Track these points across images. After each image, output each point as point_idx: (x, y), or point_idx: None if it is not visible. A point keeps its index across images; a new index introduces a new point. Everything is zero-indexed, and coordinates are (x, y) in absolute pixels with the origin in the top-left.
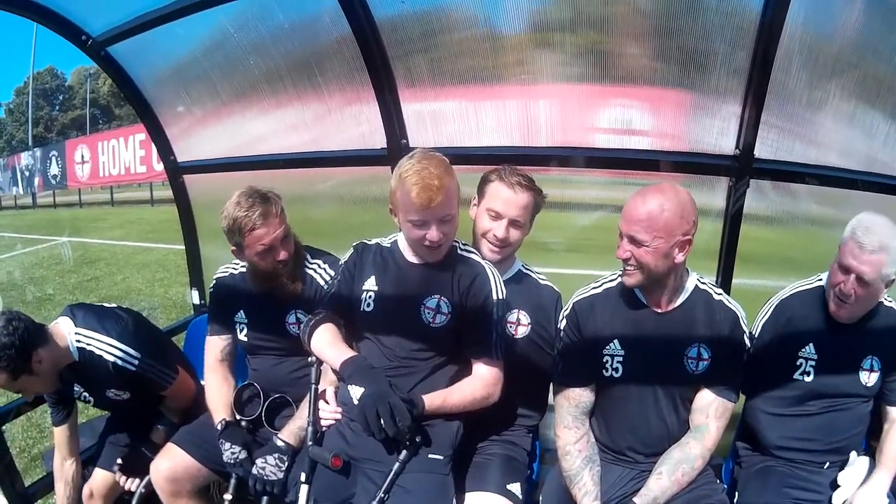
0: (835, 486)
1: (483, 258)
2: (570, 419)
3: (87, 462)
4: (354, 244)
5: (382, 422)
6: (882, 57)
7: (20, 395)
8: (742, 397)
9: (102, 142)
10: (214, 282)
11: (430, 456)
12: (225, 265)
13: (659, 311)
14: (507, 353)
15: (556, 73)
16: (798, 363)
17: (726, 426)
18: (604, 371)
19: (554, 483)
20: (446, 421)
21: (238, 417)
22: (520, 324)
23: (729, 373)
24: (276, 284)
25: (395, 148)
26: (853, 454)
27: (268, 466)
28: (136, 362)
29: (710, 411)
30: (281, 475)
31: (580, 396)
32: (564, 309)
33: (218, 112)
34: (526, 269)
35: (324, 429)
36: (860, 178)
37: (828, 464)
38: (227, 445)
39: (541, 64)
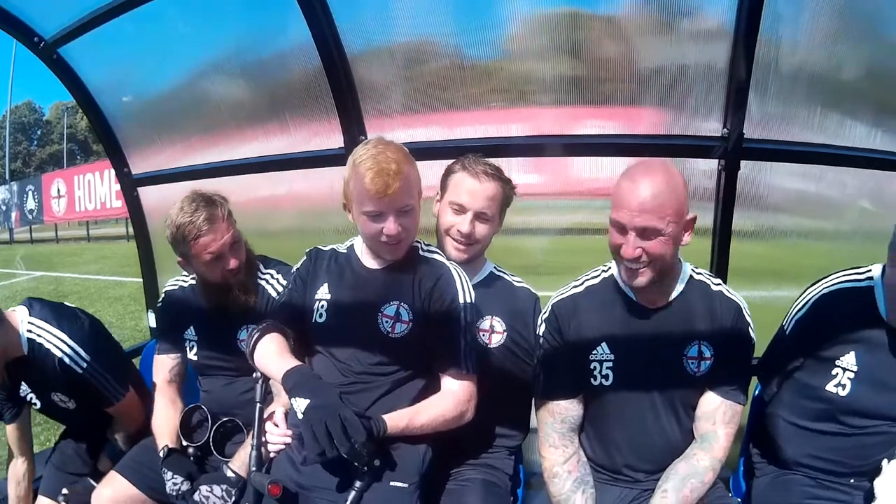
0: (870, 496)
1: (448, 259)
2: (555, 437)
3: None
4: (307, 250)
5: (333, 438)
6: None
7: None
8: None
9: (78, 175)
10: (163, 295)
11: (392, 484)
12: (175, 278)
13: (651, 307)
14: (481, 365)
15: (528, 98)
16: (834, 373)
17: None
18: (592, 380)
19: None
20: (411, 444)
21: (185, 444)
22: (494, 331)
23: (735, 372)
24: (228, 297)
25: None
26: (884, 462)
27: (212, 497)
28: (85, 365)
29: (717, 417)
30: None
31: (566, 410)
32: (543, 312)
33: (174, 125)
34: (499, 270)
35: (271, 454)
36: (853, 153)
37: (853, 479)
38: (170, 475)
39: (512, 91)
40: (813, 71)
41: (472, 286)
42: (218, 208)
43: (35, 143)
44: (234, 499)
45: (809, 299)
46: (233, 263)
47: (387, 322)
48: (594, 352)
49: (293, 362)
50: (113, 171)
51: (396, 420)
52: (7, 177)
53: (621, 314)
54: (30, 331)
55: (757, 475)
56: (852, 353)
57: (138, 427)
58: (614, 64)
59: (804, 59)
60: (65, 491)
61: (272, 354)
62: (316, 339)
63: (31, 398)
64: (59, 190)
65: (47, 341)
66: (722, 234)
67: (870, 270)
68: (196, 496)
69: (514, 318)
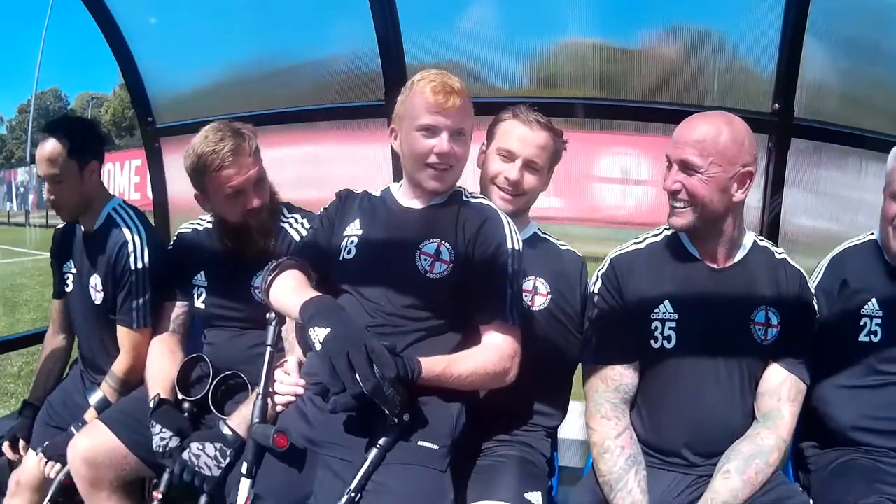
0: None
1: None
2: (608, 407)
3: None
4: (337, 191)
5: (357, 372)
6: None
7: None
8: None
9: None
10: (175, 237)
11: (420, 444)
12: (189, 221)
13: (716, 266)
14: (523, 330)
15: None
16: (862, 323)
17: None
18: (652, 342)
19: (584, 498)
20: (444, 402)
21: (180, 397)
22: (537, 293)
23: (801, 344)
24: (245, 240)
25: None
26: None
27: (203, 456)
28: (140, 266)
29: (783, 393)
30: (218, 472)
31: (621, 377)
32: (600, 268)
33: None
34: (543, 232)
35: (279, 408)
36: None
37: None
38: (158, 428)
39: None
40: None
41: None
42: (245, 140)
43: None
44: (228, 460)
45: (822, 267)
46: (255, 202)
47: (425, 260)
48: (656, 310)
49: (314, 294)
50: (133, 163)
51: (432, 364)
52: (28, 160)
53: (685, 272)
54: (115, 209)
55: (812, 468)
56: (874, 300)
57: (136, 378)
58: (642, 94)
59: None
60: (46, 444)
61: (290, 289)
62: (343, 277)
63: (68, 279)
64: None
65: (125, 225)
66: (772, 214)
67: (871, 233)
68: (185, 454)
69: (559, 281)
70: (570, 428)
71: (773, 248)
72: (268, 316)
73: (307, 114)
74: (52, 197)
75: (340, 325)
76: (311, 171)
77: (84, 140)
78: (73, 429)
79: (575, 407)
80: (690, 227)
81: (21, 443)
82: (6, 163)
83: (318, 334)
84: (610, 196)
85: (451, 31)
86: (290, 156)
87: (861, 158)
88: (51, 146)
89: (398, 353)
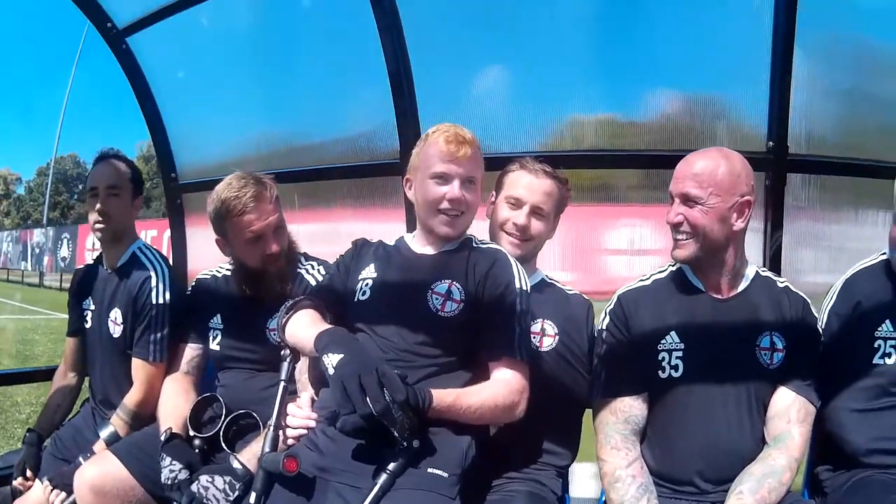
0: None
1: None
2: (618, 438)
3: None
4: (353, 240)
5: (367, 394)
6: None
7: None
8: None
9: None
10: (194, 282)
11: (430, 471)
12: (208, 269)
13: (719, 297)
14: (531, 370)
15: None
16: (876, 345)
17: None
18: (660, 372)
19: None
20: (455, 434)
21: (192, 434)
22: (545, 334)
23: (807, 367)
24: (263, 284)
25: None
26: None
27: (212, 488)
28: (161, 301)
29: (792, 414)
30: None
31: (630, 408)
32: (608, 305)
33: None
34: (550, 278)
35: (290, 441)
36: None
37: None
38: (168, 461)
39: None
40: None
41: None
42: (266, 189)
43: (76, 196)
44: (237, 493)
45: (835, 291)
46: (274, 247)
47: (437, 299)
48: (663, 341)
49: (329, 326)
50: (149, 233)
51: (443, 395)
52: (45, 222)
53: (690, 304)
54: (140, 249)
55: (827, 491)
56: (888, 321)
57: (149, 412)
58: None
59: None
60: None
61: (305, 324)
62: (357, 317)
63: (87, 315)
64: (94, 243)
65: (149, 262)
66: (773, 250)
67: (883, 253)
68: (194, 486)
69: (567, 323)
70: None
71: (775, 278)
72: (282, 353)
73: (326, 172)
74: (105, 209)
75: (353, 352)
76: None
77: (139, 177)
78: (80, 459)
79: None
80: (693, 259)
81: (28, 472)
82: (23, 223)
83: (332, 360)
84: (619, 267)
85: (461, 105)
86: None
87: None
88: (118, 164)
89: (408, 380)
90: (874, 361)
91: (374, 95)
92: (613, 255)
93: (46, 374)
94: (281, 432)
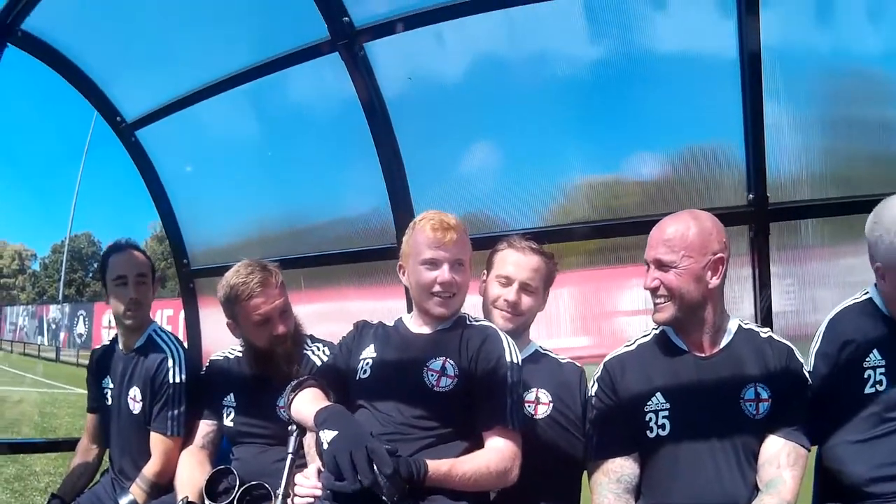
0: None
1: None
2: (611, 497)
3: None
4: (355, 322)
5: (356, 469)
6: None
7: None
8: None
9: None
10: (208, 363)
11: None
12: (221, 350)
13: (702, 355)
14: (527, 436)
15: (572, 261)
16: (866, 375)
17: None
18: (648, 432)
19: None
20: (452, 500)
21: (207, 503)
22: (539, 402)
23: (796, 413)
24: (271, 364)
25: None
26: None
27: None
28: (178, 381)
29: (782, 459)
30: None
31: (621, 468)
32: (595, 373)
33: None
34: (544, 349)
35: None
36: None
37: None
38: None
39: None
40: None
41: None
42: (272, 275)
43: (90, 274)
44: None
45: (821, 332)
46: (280, 329)
47: (432, 376)
48: (649, 403)
49: (328, 403)
50: (165, 313)
51: (438, 464)
52: (60, 298)
53: (673, 364)
54: (155, 332)
55: None
56: (875, 351)
57: (166, 482)
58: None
59: None
60: None
61: (307, 401)
62: (359, 394)
63: (107, 393)
64: (110, 321)
65: (165, 344)
66: (762, 300)
67: (867, 292)
68: None
69: (560, 390)
70: None
71: (758, 329)
72: (289, 427)
73: (325, 258)
74: (137, 297)
75: (346, 428)
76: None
77: (153, 265)
78: None
79: None
80: (673, 320)
81: None
82: (38, 298)
83: (327, 436)
84: (636, 327)
85: (455, 180)
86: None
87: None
88: (139, 254)
89: (398, 454)
90: (866, 391)
91: (368, 180)
92: (628, 315)
93: (70, 445)
94: (289, 501)
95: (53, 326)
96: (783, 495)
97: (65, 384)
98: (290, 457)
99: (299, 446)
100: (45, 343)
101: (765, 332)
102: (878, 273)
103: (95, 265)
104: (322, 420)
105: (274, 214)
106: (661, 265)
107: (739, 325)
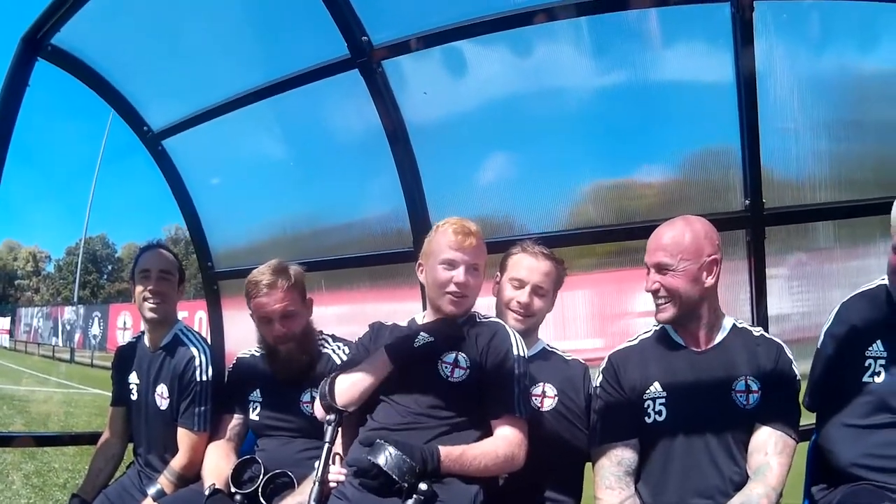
0: None
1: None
2: (612, 479)
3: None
4: (370, 323)
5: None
6: None
7: None
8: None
9: None
10: (234, 361)
11: None
12: (246, 348)
13: (697, 350)
14: (534, 428)
15: (587, 263)
16: (867, 364)
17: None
18: (646, 418)
19: None
20: (464, 482)
21: (233, 490)
22: (545, 396)
23: (784, 407)
24: (277, 361)
25: None
26: None
27: None
28: (205, 378)
29: (769, 447)
30: None
31: (622, 453)
32: (600, 365)
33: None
34: (550, 347)
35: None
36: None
37: None
38: None
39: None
40: None
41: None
42: (281, 279)
43: (105, 276)
44: None
45: (833, 312)
46: (278, 330)
47: (446, 368)
48: (647, 391)
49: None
50: (180, 314)
51: (450, 449)
52: (75, 300)
53: (672, 358)
54: (181, 330)
55: None
56: (878, 342)
57: (193, 475)
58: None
59: None
60: None
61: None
62: (378, 390)
63: (132, 388)
64: (125, 322)
65: (192, 344)
66: (758, 304)
67: (883, 278)
68: None
69: (565, 384)
70: None
71: (750, 328)
72: (327, 418)
73: (346, 261)
74: (158, 289)
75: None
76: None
77: (182, 269)
78: None
79: None
80: (674, 318)
81: None
82: (52, 300)
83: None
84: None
85: (470, 186)
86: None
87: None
88: (167, 253)
89: (419, 447)
90: (864, 380)
91: (386, 187)
92: (641, 317)
93: (91, 439)
94: (324, 487)
95: (68, 328)
96: (769, 481)
97: (79, 384)
98: (326, 445)
99: (335, 436)
100: (60, 344)
101: (757, 331)
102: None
103: (110, 267)
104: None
105: (295, 218)
106: (661, 268)
107: (734, 324)
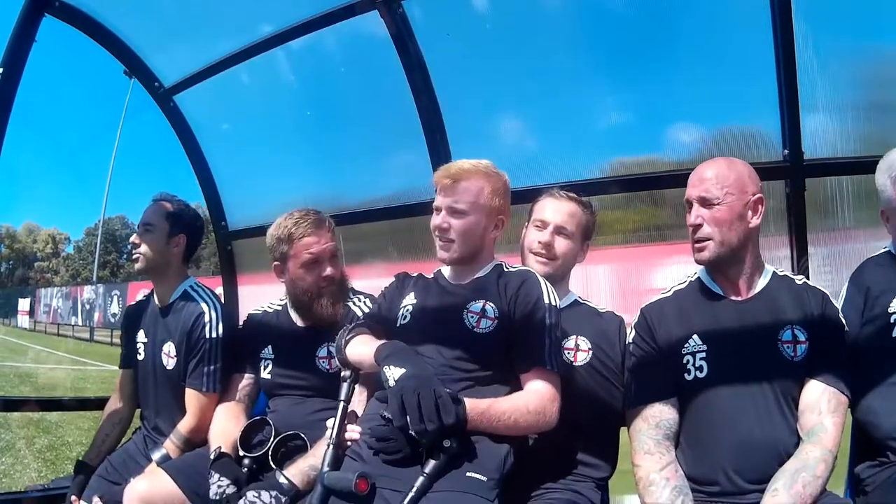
0: None
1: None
2: (651, 443)
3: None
4: (396, 273)
5: (423, 412)
6: None
7: None
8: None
9: None
10: (246, 317)
11: (469, 474)
12: (258, 305)
13: (738, 299)
14: (566, 383)
15: (612, 239)
16: (892, 320)
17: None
18: (686, 374)
19: None
20: (493, 441)
21: (241, 453)
22: (579, 349)
23: (834, 357)
24: (314, 309)
25: None
26: None
27: (258, 502)
28: (214, 336)
29: (822, 406)
30: None
31: (661, 413)
32: (633, 320)
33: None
34: (583, 299)
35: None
36: None
37: None
38: (216, 477)
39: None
40: None
41: None
42: (325, 220)
43: (124, 256)
44: None
45: (844, 283)
46: (329, 271)
47: (472, 318)
48: (686, 345)
49: (388, 341)
50: None
51: (476, 402)
52: (94, 280)
53: (710, 308)
54: (191, 287)
55: (868, 489)
56: None
57: (200, 439)
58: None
59: None
60: (99, 496)
61: (364, 342)
62: (400, 339)
63: (140, 348)
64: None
65: (202, 300)
66: (799, 256)
67: (885, 246)
68: (241, 501)
69: (599, 338)
70: None
71: (792, 276)
72: (342, 374)
73: (364, 214)
74: (137, 242)
75: (415, 367)
76: None
77: (182, 216)
78: (131, 480)
79: None
80: (715, 259)
81: (73, 498)
82: (72, 280)
83: (393, 372)
84: None
85: (491, 143)
86: None
87: None
88: (160, 203)
89: (454, 395)
90: (893, 335)
91: (411, 156)
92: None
93: (98, 404)
94: (340, 449)
95: (87, 307)
96: (825, 443)
97: (97, 360)
98: (342, 404)
99: (351, 394)
100: (79, 323)
101: (800, 279)
102: (882, 217)
103: (129, 247)
104: (386, 355)
105: (316, 190)
106: (705, 202)
107: (774, 272)
